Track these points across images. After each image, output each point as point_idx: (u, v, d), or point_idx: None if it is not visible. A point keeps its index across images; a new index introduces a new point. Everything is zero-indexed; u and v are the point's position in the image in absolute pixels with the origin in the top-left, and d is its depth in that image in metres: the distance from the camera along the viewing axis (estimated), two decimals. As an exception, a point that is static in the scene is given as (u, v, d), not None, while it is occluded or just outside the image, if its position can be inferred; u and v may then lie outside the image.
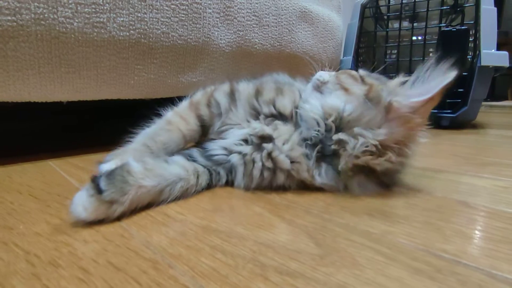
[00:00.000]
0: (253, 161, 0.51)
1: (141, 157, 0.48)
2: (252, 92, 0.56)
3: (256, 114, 0.54)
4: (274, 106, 0.53)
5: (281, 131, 0.51)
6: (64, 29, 0.66)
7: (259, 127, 0.52)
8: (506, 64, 1.16)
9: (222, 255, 0.32)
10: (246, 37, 0.98)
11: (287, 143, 0.51)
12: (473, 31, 1.18)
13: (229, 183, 0.55)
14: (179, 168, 0.49)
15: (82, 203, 0.39)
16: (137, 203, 0.43)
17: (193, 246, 0.34)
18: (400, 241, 0.36)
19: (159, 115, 0.60)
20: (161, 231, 0.38)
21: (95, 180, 0.40)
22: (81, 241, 0.35)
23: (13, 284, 0.28)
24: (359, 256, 0.32)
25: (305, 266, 0.31)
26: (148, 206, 0.45)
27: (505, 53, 1.16)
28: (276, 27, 1.07)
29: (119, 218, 0.41)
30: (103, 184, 0.40)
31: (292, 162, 0.50)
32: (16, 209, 0.44)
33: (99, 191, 0.39)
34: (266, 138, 0.51)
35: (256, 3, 1.00)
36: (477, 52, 1.16)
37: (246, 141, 0.53)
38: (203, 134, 0.60)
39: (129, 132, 0.58)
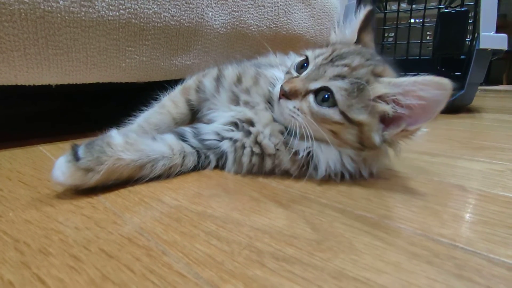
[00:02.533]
0: (243, 147, 0.51)
1: None
2: (235, 78, 0.56)
3: (237, 101, 0.55)
4: (250, 95, 0.54)
5: (261, 116, 0.51)
6: (49, 8, 0.62)
7: (241, 110, 0.53)
8: (504, 47, 1.14)
9: (218, 241, 0.32)
10: (241, 18, 0.95)
11: (267, 127, 0.50)
12: (473, 13, 1.15)
13: (219, 167, 0.55)
14: (164, 146, 0.49)
15: (61, 168, 0.41)
16: (115, 175, 0.44)
17: (188, 233, 0.33)
18: (398, 225, 0.36)
19: (158, 99, 0.63)
20: (155, 217, 0.37)
21: (74, 148, 0.42)
22: (72, 228, 0.34)
23: (1, 273, 0.27)
24: (356, 241, 0.32)
25: (302, 252, 0.30)
26: (129, 180, 0.46)
27: (504, 36, 1.14)
28: (272, 8, 1.03)
29: (96, 188, 0.41)
30: (81, 152, 0.42)
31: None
32: (6, 196, 0.42)
33: (76, 158, 0.41)
34: (252, 122, 0.51)
35: (251, -18, 0.96)
36: (476, 34, 1.15)
37: (236, 125, 0.53)
38: (194, 117, 0.62)
39: (122, 116, 0.59)
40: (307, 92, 0.46)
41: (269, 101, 0.52)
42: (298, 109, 0.46)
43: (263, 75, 0.55)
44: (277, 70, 0.56)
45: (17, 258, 0.29)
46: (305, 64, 0.49)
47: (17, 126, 1.02)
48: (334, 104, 0.44)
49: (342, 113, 0.44)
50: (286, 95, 0.46)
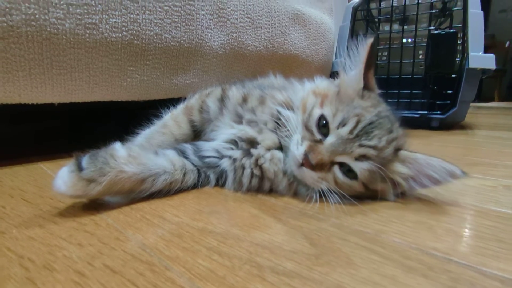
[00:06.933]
0: (243, 167, 0.52)
1: None
2: (240, 99, 0.57)
3: (239, 120, 0.56)
4: (255, 115, 0.55)
5: (266, 136, 0.52)
6: (55, 30, 0.65)
7: (243, 128, 0.54)
8: (492, 66, 1.19)
9: (219, 256, 0.33)
10: (239, 39, 0.99)
11: (268, 152, 0.51)
12: (461, 34, 1.20)
13: (219, 185, 0.55)
14: (166, 162, 0.50)
15: (63, 178, 0.41)
16: (116, 186, 0.44)
17: (190, 248, 0.34)
18: (394, 240, 0.37)
19: (159, 117, 0.64)
20: (157, 233, 0.38)
21: (78, 158, 0.43)
22: (76, 245, 0.35)
23: (8, 289, 0.27)
24: (354, 256, 0.33)
25: (301, 266, 0.31)
26: (130, 193, 0.46)
27: (491, 56, 1.19)
28: (269, 29, 1.07)
29: (98, 205, 0.41)
30: (84, 162, 0.42)
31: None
32: (8, 213, 0.43)
33: (80, 168, 0.42)
34: (253, 142, 0.52)
35: (249, 5, 1.00)
36: (465, 54, 1.19)
37: (236, 144, 0.53)
38: (196, 136, 0.62)
39: (122, 134, 0.60)
40: (333, 163, 0.46)
41: (277, 122, 0.53)
42: (322, 179, 0.46)
43: (270, 96, 0.56)
44: (279, 94, 0.56)
45: (22, 274, 0.29)
46: (324, 122, 0.47)
47: (17, 143, 1.03)
48: (356, 177, 0.46)
49: (364, 185, 0.47)
50: (312, 166, 0.45)
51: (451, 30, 1.19)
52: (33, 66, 0.65)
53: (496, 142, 1.06)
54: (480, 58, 1.18)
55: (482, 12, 1.19)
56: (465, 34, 1.19)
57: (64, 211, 0.44)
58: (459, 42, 1.21)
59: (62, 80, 0.70)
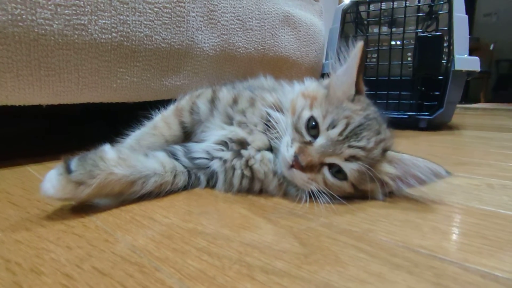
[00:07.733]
0: (233, 168, 0.52)
1: None
2: (230, 100, 0.57)
3: (230, 122, 0.56)
4: (245, 116, 0.55)
5: (256, 137, 0.53)
6: (43, 31, 0.64)
7: (234, 129, 0.54)
8: (477, 68, 1.22)
9: (209, 256, 0.33)
10: (229, 41, 0.99)
11: (258, 153, 0.52)
12: (447, 37, 1.23)
13: (209, 186, 0.55)
14: (156, 163, 0.50)
15: (51, 180, 0.40)
16: (106, 189, 0.43)
17: (180, 249, 0.34)
18: (381, 238, 0.37)
19: (150, 118, 0.63)
20: (147, 234, 0.38)
21: (66, 161, 0.42)
22: (64, 247, 0.34)
23: (-6, 292, 0.27)
24: (342, 254, 0.34)
25: (290, 265, 0.31)
26: (120, 195, 0.46)
27: (476, 58, 1.22)
28: (260, 31, 1.08)
29: (87, 207, 0.41)
30: (73, 165, 0.42)
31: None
32: (-6, 217, 0.42)
33: (68, 171, 0.41)
34: (243, 143, 0.53)
35: (240, 7, 1.01)
36: (451, 57, 1.22)
37: (226, 145, 0.54)
38: (186, 138, 0.62)
39: (108, 135, 0.59)
40: (322, 165, 0.47)
41: (267, 124, 0.53)
42: (312, 180, 0.47)
43: (260, 98, 0.56)
44: (269, 95, 0.56)
45: (9, 278, 0.29)
46: (314, 123, 0.48)
47: (2, 145, 1.01)
48: (346, 177, 0.47)
49: (353, 185, 0.48)
50: (302, 168, 0.46)
51: (437, 33, 1.22)
52: (20, 67, 0.64)
53: (482, 142, 1.09)
54: (465, 61, 1.21)
55: (466, 16, 1.22)
56: (450, 37, 1.22)
57: (52, 213, 0.43)
58: (445, 44, 1.24)
59: (50, 81, 0.69)
